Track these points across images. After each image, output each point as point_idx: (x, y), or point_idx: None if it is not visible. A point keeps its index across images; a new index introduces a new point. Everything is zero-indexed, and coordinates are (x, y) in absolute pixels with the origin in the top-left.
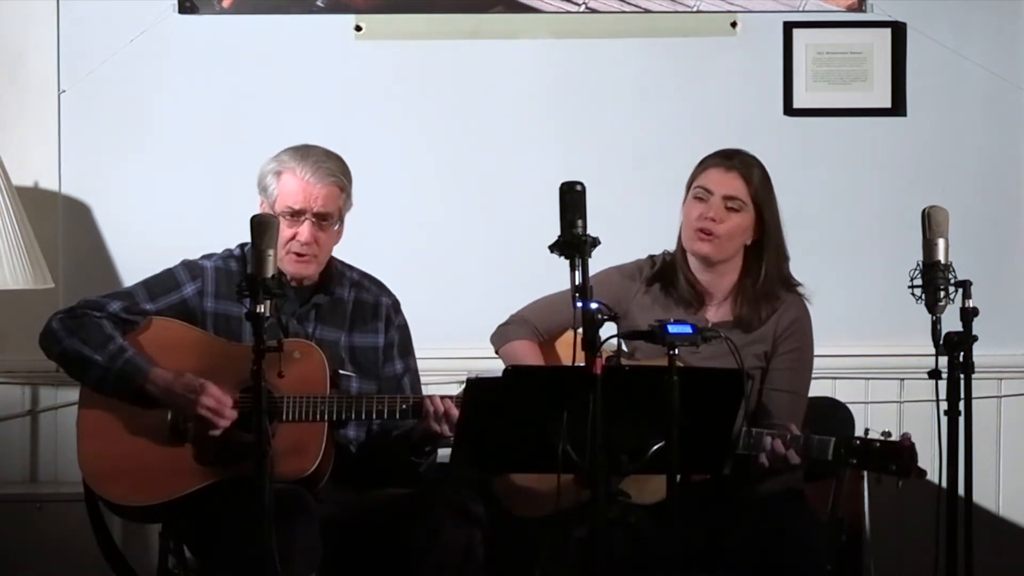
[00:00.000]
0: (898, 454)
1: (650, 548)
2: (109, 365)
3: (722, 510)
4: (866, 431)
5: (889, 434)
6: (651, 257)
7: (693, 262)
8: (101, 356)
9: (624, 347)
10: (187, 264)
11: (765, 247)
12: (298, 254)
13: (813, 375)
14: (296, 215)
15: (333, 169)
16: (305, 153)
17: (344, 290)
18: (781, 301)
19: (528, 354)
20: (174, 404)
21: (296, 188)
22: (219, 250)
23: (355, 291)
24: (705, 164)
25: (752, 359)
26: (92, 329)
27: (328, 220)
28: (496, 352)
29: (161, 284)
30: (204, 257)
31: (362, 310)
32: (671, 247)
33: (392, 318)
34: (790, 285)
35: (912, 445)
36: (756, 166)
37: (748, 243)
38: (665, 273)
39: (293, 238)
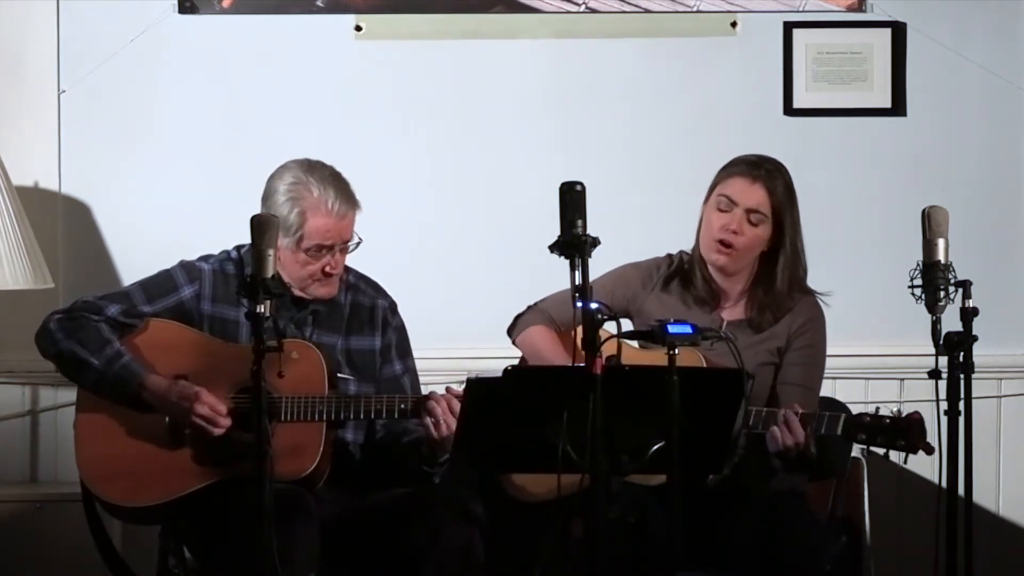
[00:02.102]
0: (907, 429)
1: (650, 542)
2: (105, 369)
3: (723, 509)
4: (876, 408)
5: (900, 412)
6: (669, 256)
7: (710, 266)
8: (98, 360)
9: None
10: (185, 265)
11: (780, 255)
12: (325, 279)
13: None
14: (327, 250)
15: (349, 191)
16: (321, 181)
17: (341, 294)
18: (794, 303)
19: (545, 338)
20: (170, 411)
21: (327, 225)
22: (218, 251)
23: (351, 294)
24: (730, 171)
25: (765, 354)
26: (90, 332)
27: (349, 241)
28: (513, 342)
29: (159, 286)
30: (201, 259)
31: (359, 313)
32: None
33: (389, 320)
34: (805, 291)
35: (921, 420)
36: (781, 176)
37: (764, 250)
38: (683, 272)
39: (322, 269)
